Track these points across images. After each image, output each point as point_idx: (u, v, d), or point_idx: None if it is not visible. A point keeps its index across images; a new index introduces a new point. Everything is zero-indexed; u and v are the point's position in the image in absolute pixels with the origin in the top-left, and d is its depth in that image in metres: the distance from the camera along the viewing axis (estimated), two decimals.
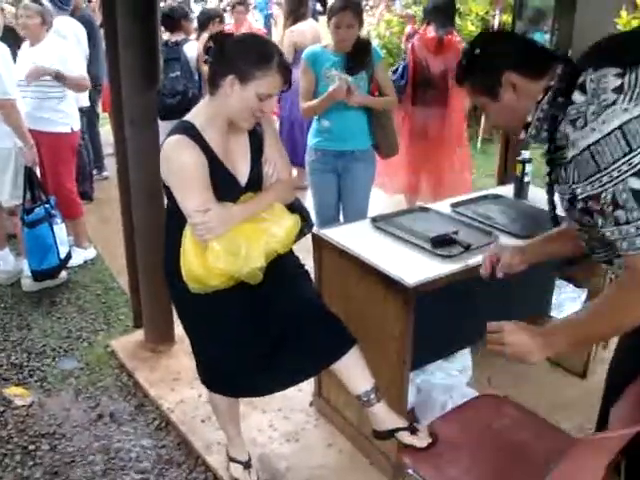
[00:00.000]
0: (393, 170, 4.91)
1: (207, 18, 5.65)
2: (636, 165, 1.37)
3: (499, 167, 3.91)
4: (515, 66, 1.63)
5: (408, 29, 6.40)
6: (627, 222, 1.40)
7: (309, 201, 3.83)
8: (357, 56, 3.48)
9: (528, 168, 3.02)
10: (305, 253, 2.48)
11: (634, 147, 1.37)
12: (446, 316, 2.41)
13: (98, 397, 3.22)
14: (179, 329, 3.56)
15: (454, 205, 2.91)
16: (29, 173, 4.10)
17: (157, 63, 3.09)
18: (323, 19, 4.58)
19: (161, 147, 2.07)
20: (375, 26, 9.83)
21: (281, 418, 2.98)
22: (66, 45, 4.62)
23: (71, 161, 4.60)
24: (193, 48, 5.12)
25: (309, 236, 2.64)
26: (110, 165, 6.42)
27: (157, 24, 3.03)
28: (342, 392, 2.69)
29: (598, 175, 1.42)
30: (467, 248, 2.41)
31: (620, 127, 1.38)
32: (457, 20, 7.21)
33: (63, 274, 4.36)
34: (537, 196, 2.96)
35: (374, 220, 2.71)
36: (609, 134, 1.39)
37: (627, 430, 1.40)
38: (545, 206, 1.83)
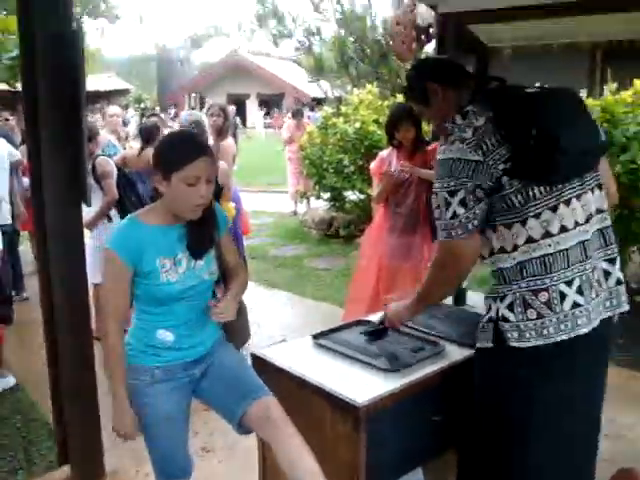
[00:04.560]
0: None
1: (150, 132, 5.42)
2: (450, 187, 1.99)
3: None
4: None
5: None
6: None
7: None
8: None
9: None
10: None
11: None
12: (399, 434, 2.29)
13: None
14: (110, 462, 3.31)
15: None
16: None
17: (83, 176, 2.98)
18: None
19: None
20: None
21: None
22: None
23: None
24: None
25: None
26: (30, 285, 6.17)
27: (83, 133, 2.94)
28: None
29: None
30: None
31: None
32: None
33: None
34: (475, 300, 2.94)
35: (315, 337, 2.61)
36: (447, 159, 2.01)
37: None
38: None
